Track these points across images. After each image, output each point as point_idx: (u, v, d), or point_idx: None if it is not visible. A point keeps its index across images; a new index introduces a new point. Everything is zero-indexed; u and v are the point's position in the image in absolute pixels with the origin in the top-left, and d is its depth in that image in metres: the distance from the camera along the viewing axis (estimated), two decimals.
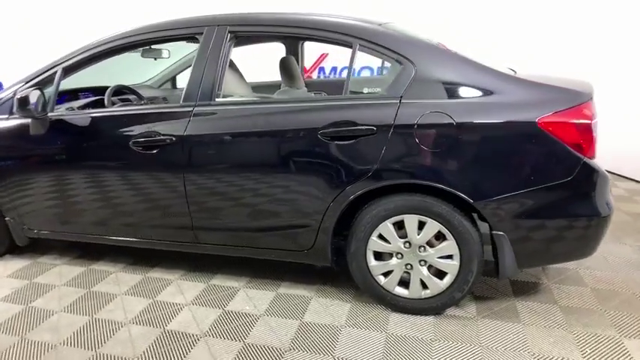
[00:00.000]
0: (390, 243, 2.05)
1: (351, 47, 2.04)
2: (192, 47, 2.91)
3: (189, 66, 3.62)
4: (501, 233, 1.89)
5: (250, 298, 2.30)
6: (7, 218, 2.63)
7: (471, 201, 1.86)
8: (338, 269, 2.29)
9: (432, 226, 1.96)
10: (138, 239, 2.47)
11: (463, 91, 1.88)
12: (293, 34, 2.14)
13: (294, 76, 2.80)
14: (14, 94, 2.41)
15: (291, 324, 2.07)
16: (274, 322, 2.09)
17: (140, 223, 2.39)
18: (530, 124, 1.78)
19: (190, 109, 2.16)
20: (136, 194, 2.31)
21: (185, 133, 2.13)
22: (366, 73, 5.73)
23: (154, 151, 2.19)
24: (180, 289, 2.40)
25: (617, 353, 1.82)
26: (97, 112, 2.45)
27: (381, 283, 2.12)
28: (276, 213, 2.14)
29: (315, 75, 6.19)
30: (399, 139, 1.89)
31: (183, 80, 3.91)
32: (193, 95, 2.17)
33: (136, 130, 2.22)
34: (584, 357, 1.80)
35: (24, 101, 2.21)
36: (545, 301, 2.17)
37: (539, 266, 2.07)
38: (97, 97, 2.86)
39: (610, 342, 1.89)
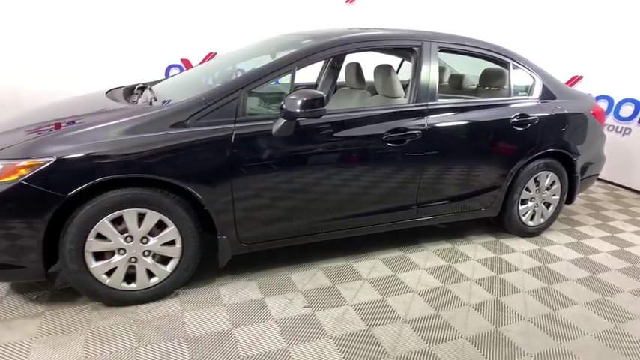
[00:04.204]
0: (530, 192, 3.21)
1: (506, 66, 3.06)
2: None
3: None
4: (578, 175, 3.36)
5: None
6: (221, 236, 2.26)
7: (573, 158, 3.24)
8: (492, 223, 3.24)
9: (551, 177, 3.25)
10: (362, 227, 2.70)
11: (561, 95, 3.23)
12: (474, 52, 2.94)
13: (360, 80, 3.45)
14: (239, 95, 2.20)
15: None
16: None
17: (373, 210, 2.67)
18: (589, 113, 3.32)
19: (425, 107, 2.67)
20: (381, 183, 2.60)
21: (426, 127, 2.64)
22: None
23: (402, 144, 2.57)
24: None
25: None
26: (347, 112, 2.54)
27: (523, 221, 3.27)
28: (482, 182, 2.96)
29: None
30: (547, 124, 3.07)
31: None
32: (424, 96, 2.68)
33: (386, 126, 2.53)
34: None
35: (320, 100, 2.16)
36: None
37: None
38: None
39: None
